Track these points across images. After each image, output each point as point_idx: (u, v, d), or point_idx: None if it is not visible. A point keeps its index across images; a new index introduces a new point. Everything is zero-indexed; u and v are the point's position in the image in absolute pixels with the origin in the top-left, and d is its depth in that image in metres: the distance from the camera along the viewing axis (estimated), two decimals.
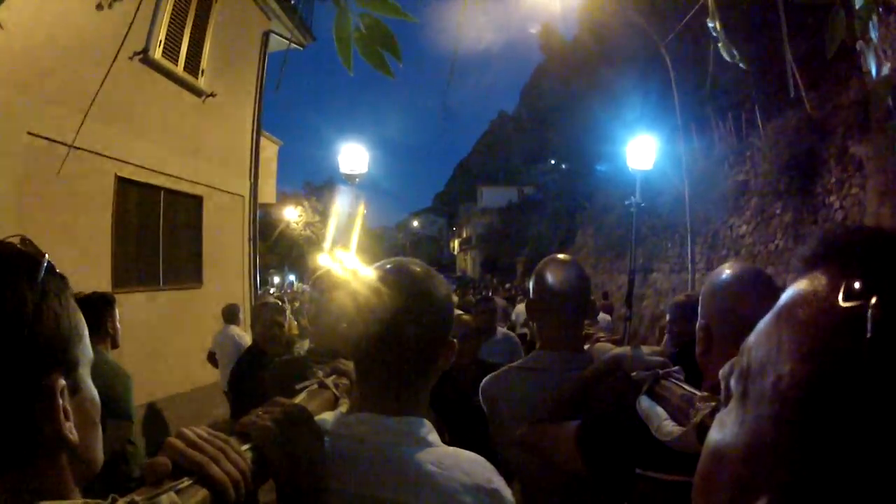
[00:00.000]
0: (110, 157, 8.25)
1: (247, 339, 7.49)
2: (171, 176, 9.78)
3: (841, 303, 0.50)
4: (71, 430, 0.91)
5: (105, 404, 2.31)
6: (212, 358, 8.71)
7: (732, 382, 0.59)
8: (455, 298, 15.89)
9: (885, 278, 0.49)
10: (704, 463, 0.60)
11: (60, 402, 0.89)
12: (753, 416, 0.54)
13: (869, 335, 0.46)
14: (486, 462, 1.43)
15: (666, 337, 3.91)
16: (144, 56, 9.01)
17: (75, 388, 0.96)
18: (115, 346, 4.13)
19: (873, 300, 0.47)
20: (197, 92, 10.56)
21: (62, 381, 0.91)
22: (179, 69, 9.98)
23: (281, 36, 13.38)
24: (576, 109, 44.94)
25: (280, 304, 5.08)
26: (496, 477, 1.39)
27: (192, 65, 10.39)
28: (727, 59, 2.19)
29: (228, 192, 11.70)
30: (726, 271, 1.79)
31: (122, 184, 8.70)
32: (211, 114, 10.96)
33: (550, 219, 42.22)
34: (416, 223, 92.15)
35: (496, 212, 62.66)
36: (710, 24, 2.13)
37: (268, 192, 13.89)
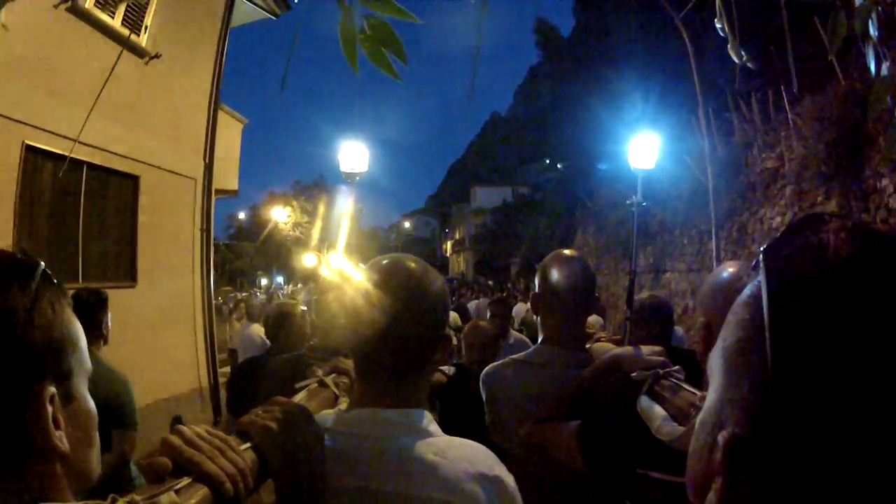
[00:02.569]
0: (17, 121, 6.82)
1: (263, 339, 7.23)
2: (98, 149, 8.08)
3: (748, 277, 0.70)
4: (61, 439, 0.91)
5: (110, 413, 3.30)
6: (234, 355, 8.82)
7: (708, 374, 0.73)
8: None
9: (777, 254, 0.65)
10: (694, 440, 0.72)
11: (50, 409, 0.89)
12: (717, 378, 0.68)
13: (763, 283, 0.63)
14: (487, 450, 1.44)
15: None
16: (72, 5, 7.52)
17: (68, 398, 0.95)
18: (105, 342, 4.02)
19: (761, 259, 0.65)
20: (138, 52, 8.86)
21: (52, 389, 0.90)
22: (116, 23, 8.35)
23: (249, 1, 11.59)
24: (573, 107, 44.09)
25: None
26: (498, 465, 1.41)
27: (134, 20, 8.81)
28: (736, 60, 2.23)
29: (175, 174, 9.95)
30: (728, 270, 1.80)
31: (33, 154, 7.18)
32: (156, 79, 9.25)
33: (548, 218, 40.96)
34: (407, 224, 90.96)
35: (490, 212, 61.56)
36: (718, 26, 2.14)
37: (229, 177, 12.06)
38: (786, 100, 13.84)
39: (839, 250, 0.60)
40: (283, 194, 56.82)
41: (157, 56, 9.09)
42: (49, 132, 7.22)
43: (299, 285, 30.37)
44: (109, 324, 4.04)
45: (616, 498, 1.90)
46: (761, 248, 0.65)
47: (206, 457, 1.02)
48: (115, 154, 8.42)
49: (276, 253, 53.54)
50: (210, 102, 10.83)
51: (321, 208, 42.66)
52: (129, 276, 8.91)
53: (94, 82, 7.74)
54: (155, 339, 8.53)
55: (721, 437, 0.62)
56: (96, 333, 3.87)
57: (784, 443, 0.58)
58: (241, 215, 65.89)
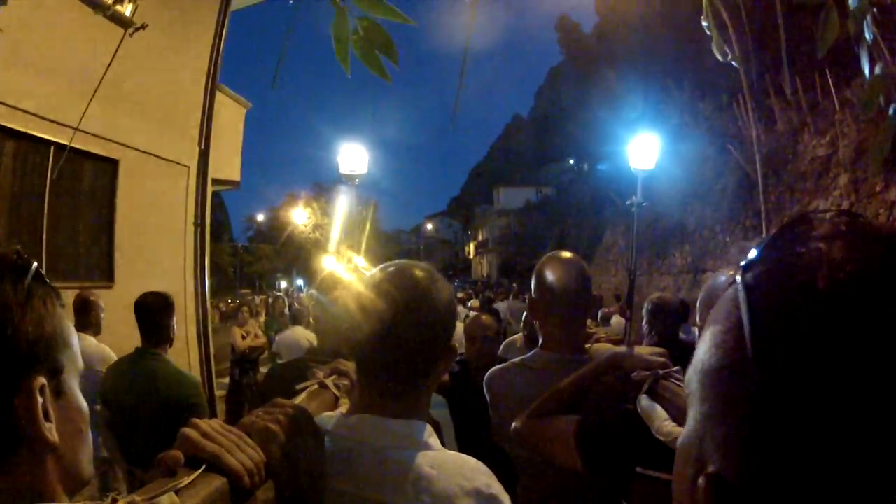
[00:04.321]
0: None
1: (310, 341, 7.01)
2: (69, 127, 6.86)
3: (727, 285, 0.62)
4: (50, 431, 0.92)
5: (182, 415, 3.41)
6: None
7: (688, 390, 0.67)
8: (476, 303, 14.89)
9: (757, 261, 0.58)
10: (676, 462, 0.67)
11: (40, 400, 0.91)
12: (696, 401, 0.62)
13: (744, 310, 0.55)
14: (484, 467, 1.44)
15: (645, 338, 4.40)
16: None
17: (59, 392, 0.97)
18: (171, 345, 3.99)
19: (739, 276, 0.58)
20: (121, 22, 7.65)
21: (42, 381, 0.92)
22: None
23: None
24: (593, 104, 43.22)
25: None
26: (494, 482, 1.41)
27: None
28: (719, 58, 2.23)
29: (164, 159, 8.86)
30: (729, 273, 1.76)
31: None
32: (142, 53, 8.11)
33: (574, 218, 40.00)
34: (430, 226, 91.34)
35: (514, 213, 61.19)
36: (704, 24, 2.15)
37: (229, 167, 11.02)
38: (831, 83, 12.97)
39: (833, 266, 0.53)
40: (303, 196, 56.44)
41: (143, 27, 7.90)
42: (9, 106, 6.37)
43: None
44: (175, 326, 4.03)
45: (612, 497, 1.88)
46: (741, 263, 0.60)
47: (224, 450, 1.03)
48: (91, 134, 7.35)
49: (295, 255, 53.37)
50: (206, 82, 9.77)
51: (338, 209, 42.21)
52: (104, 275, 7.82)
53: (62, 52, 6.91)
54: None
55: (702, 480, 0.57)
56: (161, 336, 3.90)
57: (772, 489, 0.53)
58: (260, 217, 65.99)
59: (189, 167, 9.38)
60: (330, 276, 3.12)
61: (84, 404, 1.02)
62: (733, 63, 2.38)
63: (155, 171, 8.70)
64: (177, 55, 9.18)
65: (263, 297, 32.85)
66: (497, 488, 1.38)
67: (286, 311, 11.89)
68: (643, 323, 4.39)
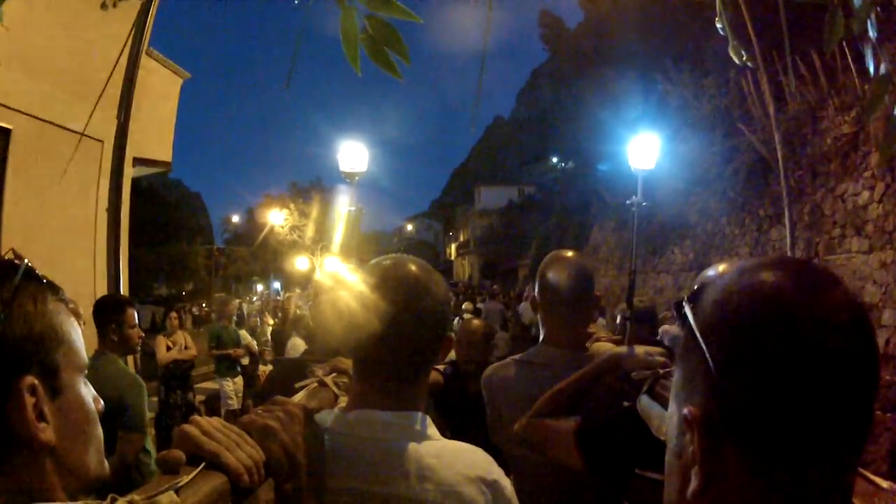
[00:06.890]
0: None
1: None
2: None
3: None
4: (44, 431, 0.91)
5: (116, 415, 3.48)
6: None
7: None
8: (470, 305, 14.32)
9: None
10: (668, 456, 0.86)
11: (32, 401, 0.90)
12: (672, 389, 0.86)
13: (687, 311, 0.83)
14: (485, 454, 1.45)
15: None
16: None
17: (56, 391, 0.96)
18: (129, 352, 4.07)
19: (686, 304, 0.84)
20: None
21: (32, 380, 0.91)
22: None
23: None
24: (580, 103, 42.91)
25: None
26: (495, 468, 1.43)
27: None
28: (736, 61, 2.24)
29: (70, 131, 7.28)
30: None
31: None
32: (53, 9, 6.86)
33: (558, 217, 39.53)
34: (410, 227, 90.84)
35: (496, 213, 60.76)
36: (719, 26, 2.17)
37: (158, 145, 9.43)
38: (850, 57, 11.61)
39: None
40: (279, 196, 55.54)
41: None
42: None
43: (297, 291, 29.47)
44: (131, 331, 3.93)
45: (613, 497, 1.91)
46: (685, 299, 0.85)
47: (223, 448, 1.03)
48: None
49: (272, 257, 52.59)
50: (134, 46, 8.19)
51: (317, 210, 41.50)
52: None
53: None
54: None
55: (687, 412, 0.76)
56: (109, 340, 3.83)
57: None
58: (236, 218, 65.44)
59: (103, 142, 7.86)
60: (326, 276, 3.05)
61: (87, 402, 1.02)
62: (748, 65, 2.31)
63: (59, 144, 7.21)
64: (96, 13, 7.65)
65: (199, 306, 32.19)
66: (498, 473, 1.41)
67: (235, 316, 10.64)
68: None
